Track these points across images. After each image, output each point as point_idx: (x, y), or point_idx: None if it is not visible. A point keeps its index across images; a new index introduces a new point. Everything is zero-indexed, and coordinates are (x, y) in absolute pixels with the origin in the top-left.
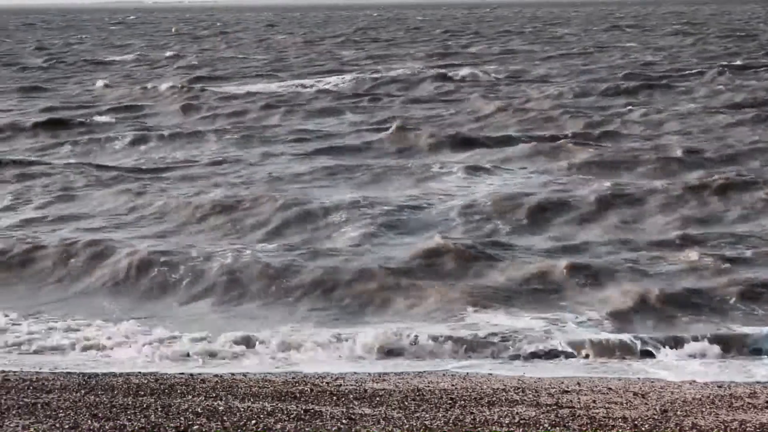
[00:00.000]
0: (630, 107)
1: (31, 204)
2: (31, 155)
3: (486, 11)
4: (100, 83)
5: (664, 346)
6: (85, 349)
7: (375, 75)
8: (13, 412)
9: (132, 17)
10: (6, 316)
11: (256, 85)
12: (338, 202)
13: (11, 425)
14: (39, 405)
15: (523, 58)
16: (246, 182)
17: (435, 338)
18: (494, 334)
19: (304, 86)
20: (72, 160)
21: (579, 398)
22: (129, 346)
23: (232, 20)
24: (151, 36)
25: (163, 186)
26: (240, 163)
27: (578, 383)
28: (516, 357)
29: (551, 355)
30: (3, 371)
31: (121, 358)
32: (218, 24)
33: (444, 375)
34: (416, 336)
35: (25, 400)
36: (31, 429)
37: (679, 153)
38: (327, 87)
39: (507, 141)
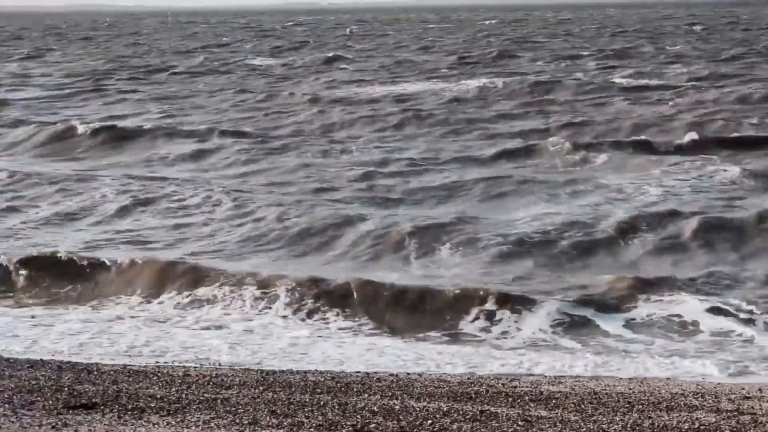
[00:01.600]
0: None
1: None
2: None
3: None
4: None
5: None
6: None
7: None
8: (194, 406)
9: (307, 18)
10: None
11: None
12: None
13: (192, 419)
14: (219, 400)
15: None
16: None
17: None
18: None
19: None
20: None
21: (761, 405)
22: None
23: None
24: (324, 37)
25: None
26: None
27: (760, 389)
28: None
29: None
30: (184, 366)
31: None
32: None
33: (620, 378)
34: None
35: (206, 395)
36: (212, 424)
37: None
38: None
39: None
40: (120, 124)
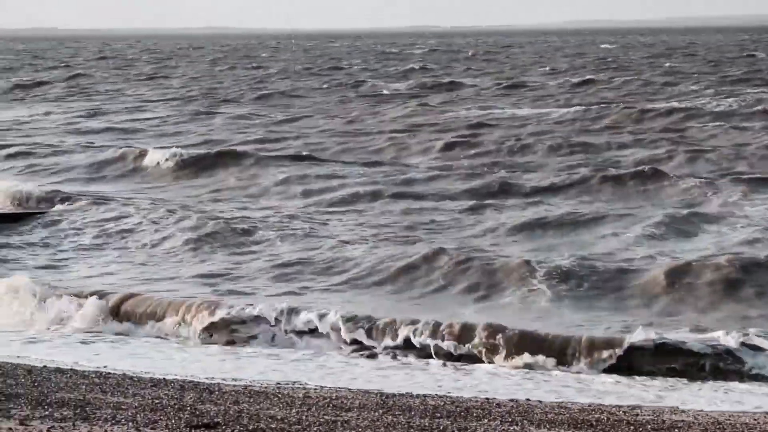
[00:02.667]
0: None
1: None
2: None
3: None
4: None
5: None
6: None
7: None
8: (315, 428)
9: (431, 41)
10: None
11: None
12: None
13: None
14: (339, 423)
15: None
16: None
17: None
18: None
19: None
20: None
21: None
22: None
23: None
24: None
25: None
26: None
27: None
28: None
29: None
30: (305, 387)
31: None
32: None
33: (744, 411)
34: None
35: (326, 417)
36: None
37: None
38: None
39: None
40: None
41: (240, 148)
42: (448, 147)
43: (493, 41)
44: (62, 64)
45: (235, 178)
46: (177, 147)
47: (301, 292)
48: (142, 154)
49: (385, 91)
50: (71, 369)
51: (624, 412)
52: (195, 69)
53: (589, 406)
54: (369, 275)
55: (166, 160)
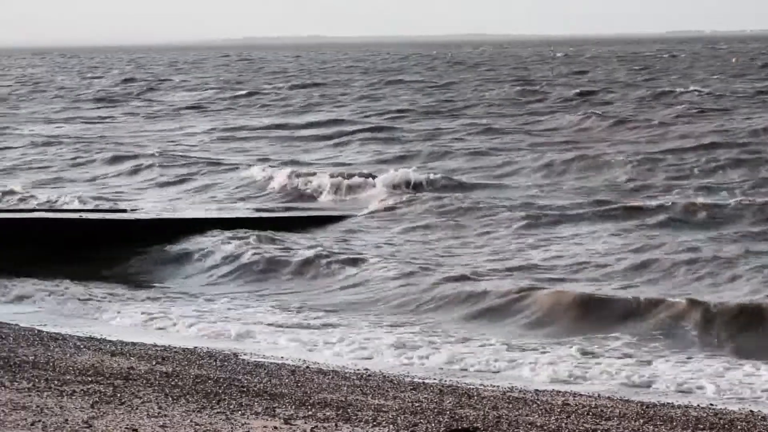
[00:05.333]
0: None
1: None
2: None
3: None
4: None
5: None
6: None
7: None
8: None
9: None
10: None
11: None
12: None
13: None
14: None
15: None
16: None
17: None
18: None
19: None
20: None
21: None
22: None
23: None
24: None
25: None
26: None
27: None
28: None
29: None
30: (563, 394)
31: None
32: None
33: None
34: None
35: (585, 425)
36: None
37: None
38: None
39: None
40: None
41: None
42: None
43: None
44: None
45: None
46: None
47: None
48: None
49: None
50: (332, 370)
51: None
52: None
53: None
54: None
55: None
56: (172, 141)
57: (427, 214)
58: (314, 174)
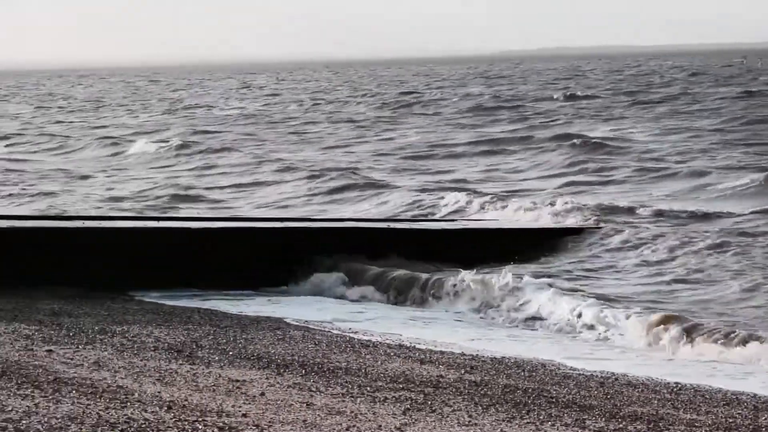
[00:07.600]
0: None
1: None
2: None
3: None
4: None
5: None
6: None
7: None
8: None
9: None
10: None
11: None
12: None
13: None
14: None
15: None
16: None
17: None
18: None
19: None
20: None
21: None
22: None
23: None
24: None
25: None
26: None
27: None
28: None
29: None
30: None
31: None
32: None
33: None
34: None
35: None
36: None
37: None
38: None
39: None
40: None
41: None
42: None
43: None
44: None
45: None
46: None
47: None
48: None
49: None
50: (642, 383)
51: None
52: None
53: None
54: None
55: None
56: None
57: None
58: None
